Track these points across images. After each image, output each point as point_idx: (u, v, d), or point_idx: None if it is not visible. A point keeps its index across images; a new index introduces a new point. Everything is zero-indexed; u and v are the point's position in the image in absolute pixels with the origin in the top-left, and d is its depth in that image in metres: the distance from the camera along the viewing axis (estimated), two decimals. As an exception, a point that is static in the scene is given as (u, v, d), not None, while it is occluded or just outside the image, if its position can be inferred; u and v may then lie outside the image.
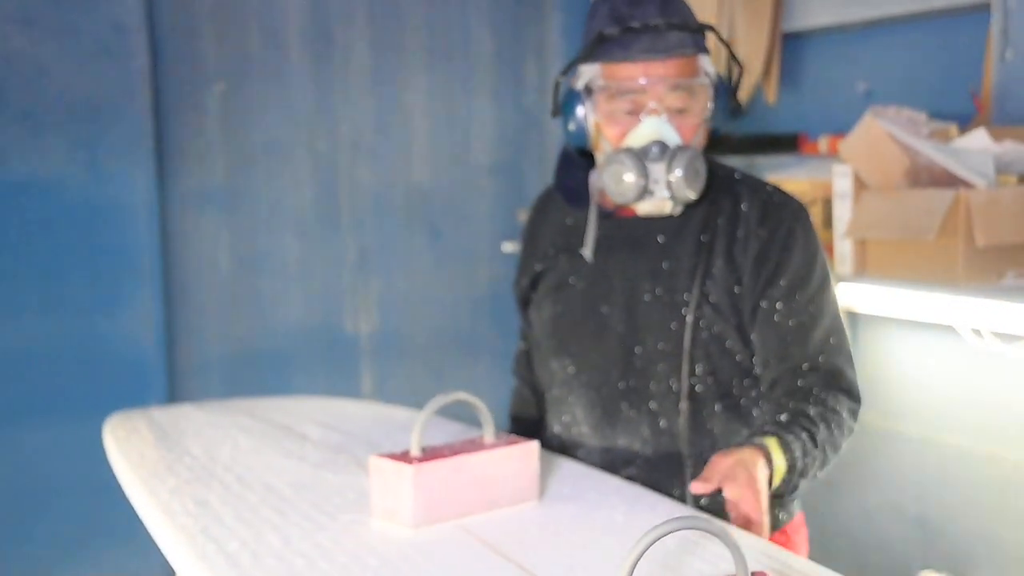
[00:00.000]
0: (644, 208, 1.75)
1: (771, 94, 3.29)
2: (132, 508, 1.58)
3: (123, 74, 3.32)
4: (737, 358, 1.76)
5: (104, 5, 3.29)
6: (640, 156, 1.70)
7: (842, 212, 2.64)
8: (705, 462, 1.74)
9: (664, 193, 1.71)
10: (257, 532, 1.38)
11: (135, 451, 1.75)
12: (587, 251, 1.84)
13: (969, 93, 2.76)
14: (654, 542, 0.97)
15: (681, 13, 1.75)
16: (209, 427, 1.91)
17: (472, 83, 3.86)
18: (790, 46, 3.30)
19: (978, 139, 2.50)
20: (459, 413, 1.88)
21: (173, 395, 3.44)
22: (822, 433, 1.62)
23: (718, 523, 1.00)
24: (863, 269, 2.66)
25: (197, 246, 3.54)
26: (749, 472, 1.49)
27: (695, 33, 1.76)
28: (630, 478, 1.75)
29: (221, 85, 3.53)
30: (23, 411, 3.27)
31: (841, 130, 2.77)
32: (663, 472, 1.78)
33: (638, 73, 1.72)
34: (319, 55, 3.65)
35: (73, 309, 3.31)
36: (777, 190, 1.82)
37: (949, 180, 2.45)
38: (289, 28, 3.61)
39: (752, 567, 1.00)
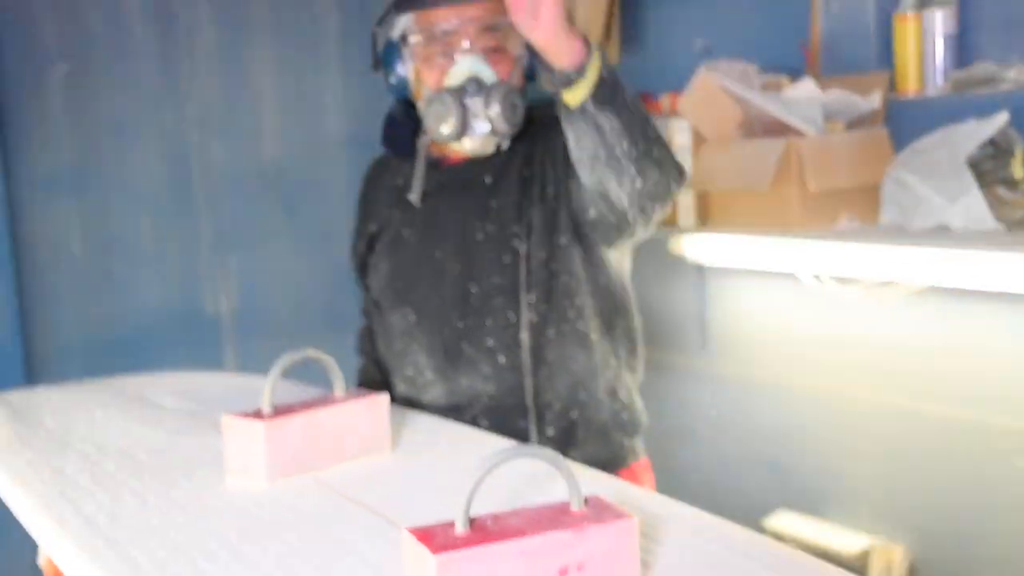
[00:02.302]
0: (468, 145, 1.81)
1: (612, 55, 3.37)
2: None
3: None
4: (563, 280, 1.82)
5: (-65, -11, 3.20)
6: (458, 94, 1.76)
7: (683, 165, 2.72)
8: (545, 392, 1.81)
9: (484, 127, 1.77)
10: (114, 495, 1.40)
11: (-13, 431, 1.75)
12: (413, 196, 1.88)
13: (799, 45, 2.87)
14: (490, 470, 1.01)
15: None
16: (65, 404, 1.91)
17: (320, 57, 3.85)
18: (629, 7, 3.38)
19: (806, 89, 2.61)
20: (315, 378, 1.92)
21: (31, 382, 3.37)
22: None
23: (550, 451, 1.05)
24: (706, 220, 2.76)
25: (48, 231, 3.47)
26: None
27: None
28: (475, 419, 1.82)
29: (63, 66, 3.46)
30: None
31: (682, 88, 2.85)
32: (507, 408, 1.83)
33: (449, 16, 1.79)
34: (163, 33, 3.61)
35: (-79, 301, 3.23)
36: None
37: (781, 129, 2.56)
38: (131, 6, 3.56)
39: (587, 494, 1.06)
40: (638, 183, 1.60)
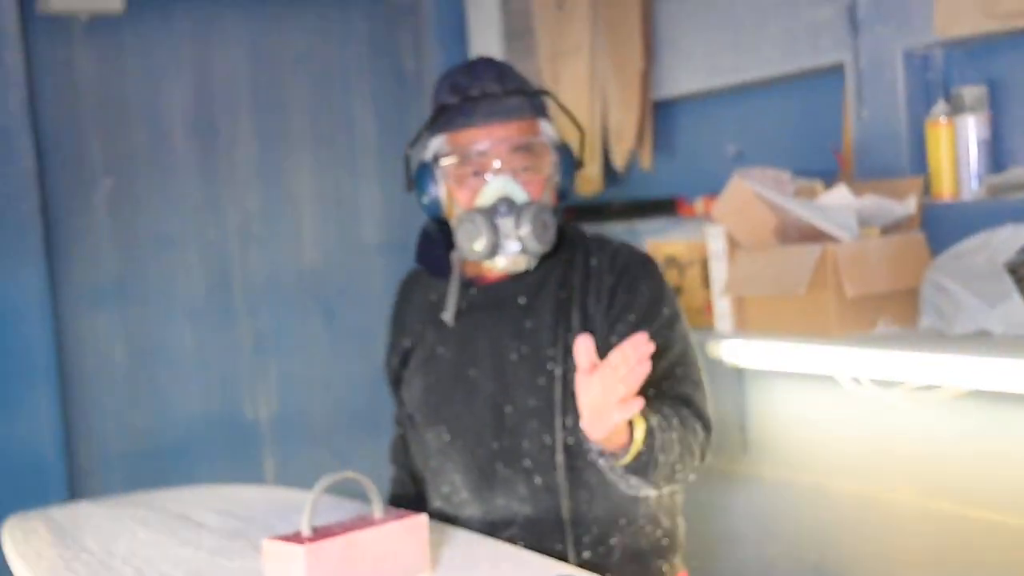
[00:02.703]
0: (500, 264, 1.82)
1: (646, 160, 3.40)
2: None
3: (9, 176, 3.33)
4: None
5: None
6: (489, 214, 1.78)
7: (718, 271, 2.73)
8: (584, 516, 1.80)
9: (515, 247, 1.79)
10: (154, 623, 1.40)
11: (32, 551, 1.76)
12: (448, 316, 1.89)
13: (831, 151, 2.89)
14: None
15: (517, 80, 1.86)
16: (107, 522, 1.92)
17: (357, 165, 3.93)
18: (662, 113, 3.42)
19: (840, 195, 2.61)
20: (356, 492, 1.92)
21: (74, 494, 3.40)
22: (676, 426, 1.68)
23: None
24: (743, 325, 2.75)
25: (92, 342, 3.52)
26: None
27: (532, 99, 1.85)
28: (511, 538, 1.80)
29: (109, 181, 3.55)
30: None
31: (715, 192, 2.86)
32: (544, 529, 1.81)
33: (481, 137, 1.81)
34: (205, 146, 3.69)
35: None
36: (624, 244, 1.90)
37: (816, 235, 2.56)
38: (174, 121, 3.65)
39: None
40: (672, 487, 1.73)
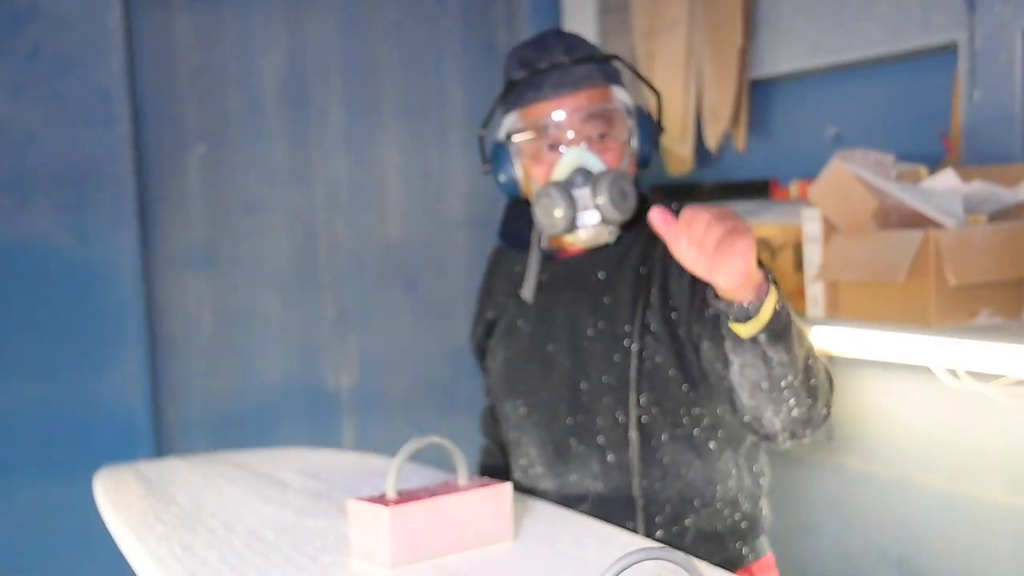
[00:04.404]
0: (581, 237, 1.78)
1: (740, 141, 3.34)
2: (124, 568, 1.60)
3: (107, 139, 3.37)
4: (682, 387, 1.77)
5: (88, 72, 3.34)
6: (565, 186, 1.75)
7: (812, 256, 2.67)
8: (656, 495, 1.77)
9: (594, 217, 1.75)
10: (241, 574, 1.40)
11: (123, 502, 1.78)
12: (526, 292, 1.87)
13: (937, 134, 2.81)
14: (621, 572, 0.99)
15: (586, 48, 1.81)
16: (195, 477, 1.94)
17: (446, 139, 3.91)
18: (758, 93, 3.36)
19: (947, 179, 2.54)
20: (436, 460, 1.91)
21: (160, 452, 3.44)
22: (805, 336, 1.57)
23: (681, 554, 1.02)
24: (836, 312, 2.69)
25: (181, 305, 3.56)
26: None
27: (602, 65, 1.81)
28: (584, 514, 1.77)
29: (202, 147, 3.57)
30: (14, 472, 3.28)
31: (811, 175, 2.81)
32: (615, 506, 1.79)
33: (551, 109, 1.77)
34: (295, 115, 3.70)
35: (61, 371, 3.33)
36: None
37: (918, 221, 2.49)
38: (266, 89, 3.66)
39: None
40: (795, 412, 1.56)
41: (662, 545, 1.03)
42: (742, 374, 1.53)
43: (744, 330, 1.48)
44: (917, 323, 2.46)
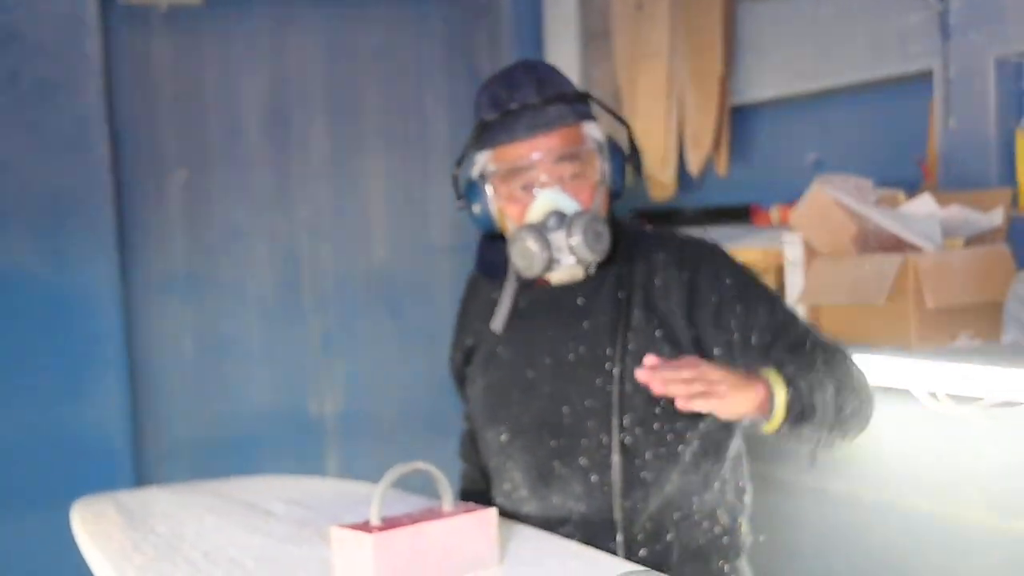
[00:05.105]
0: (556, 278, 1.81)
1: (722, 167, 3.36)
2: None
3: (85, 165, 3.36)
4: (665, 405, 1.79)
5: (65, 99, 3.33)
6: (540, 229, 1.76)
7: (794, 279, 2.68)
8: (638, 514, 1.78)
9: (569, 259, 1.76)
10: (221, 606, 1.39)
11: (102, 532, 1.76)
12: (496, 324, 1.88)
13: (915, 161, 2.83)
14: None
15: (557, 86, 1.81)
16: (175, 507, 1.92)
17: (428, 165, 3.92)
18: (739, 119, 3.38)
19: (924, 204, 2.56)
20: (421, 487, 1.90)
21: (141, 481, 3.42)
22: (818, 366, 1.71)
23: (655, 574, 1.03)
24: (818, 334, 2.70)
25: (161, 332, 3.55)
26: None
27: (574, 103, 1.81)
28: (567, 535, 1.78)
29: (183, 173, 3.57)
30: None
31: (792, 200, 2.82)
32: (598, 526, 1.80)
33: (525, 151, 1.78)
34: (277, 141, 3.71)
35: (40, 398, 3.31)
36: (689, 237, 1.90)
37: (897, 245, 2.51)
38: (248, 115, 3.67)
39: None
40: (846, 442, 1.78)
41: (645, 569, 1.03)
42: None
43: (768, 428, 1.66)
44: (898, 346, 2.47)
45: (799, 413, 1.64)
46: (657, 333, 1.78)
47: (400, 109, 3.88)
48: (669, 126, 3.46)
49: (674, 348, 1.78)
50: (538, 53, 3.88)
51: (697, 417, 1.79)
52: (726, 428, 1.85)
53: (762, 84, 3.24)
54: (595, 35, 3.85)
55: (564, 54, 3.87)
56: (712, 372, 1.57)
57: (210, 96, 3.62)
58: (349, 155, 3.81)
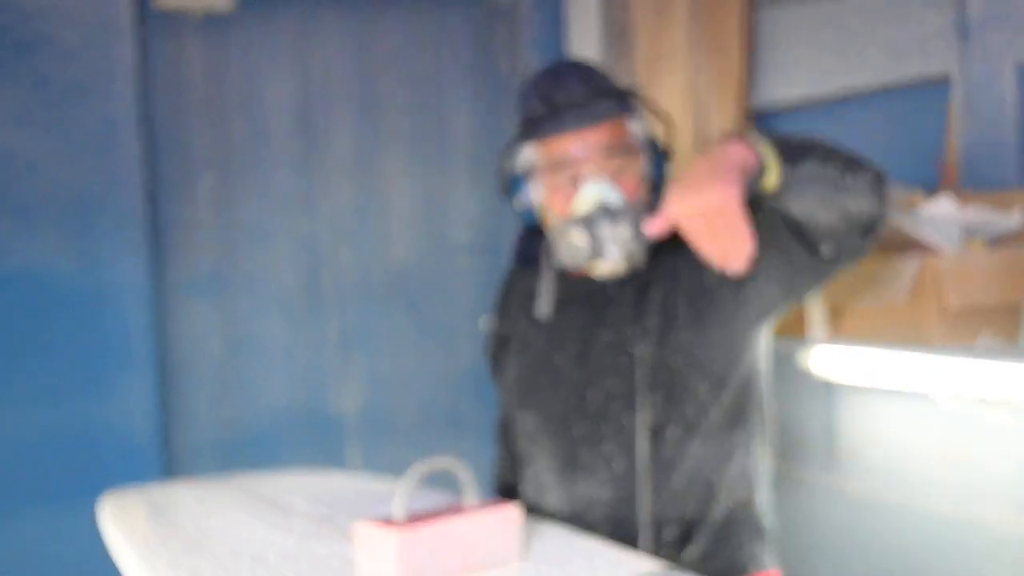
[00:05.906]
0: (601, 269, 1.83)
1: (744, 168, 3.36)
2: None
3: (116, 167, 3.39)
4: (685, 375, 1.82)
5: (97, 101, 3.37)
6: (586, 222, 1.78)
7: (815, 280, 2.69)
8: (665, 496, 1.80)
9: (615, 253, 1.78)
10: (247, 600, 1.42)
11: (129, 526, 1.79)
12: (542, 308, 1.91)
13: (934, 162, 2.83)
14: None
15: (603, 82, 1.85)
16: (200, 502, 1.95)
17: (450, 166, 3.94)
18: (759, 121, 3.39)
19: (944, 205, 2.56)
20: (442, 482, 1.93)
21: (168, 476, 3.46)
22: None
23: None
24: (837, 335, 2.71)
25: (189, 331, 3.59)
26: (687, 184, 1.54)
27: (619, 99, 1.84)
28: (591, 523, 1.82)
29: (212, 175, 3.61)
30: (22, 497, 3.30)
31: (812, 201, 2.83)
32: (623, 514, 1.83)
33: (571, 144, 1.81)
34: (303, 144, 3.74)
35: (70, 396, 3.34)
36: None
37: (915, 246, 2.52)
38: (275, 118, 3.70)
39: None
40: (860, 185, 1.67)
41: (670, 568, 1.05)
42: (807, 205, 1.65)
43: (768, 184, 1.59)
44: (918, 345, 2.48)
45: (793, 150, 1.59)
46: (679, 311, 1.82)
47: (422, 110, 3.90)
48: (689, 128, 3.48)
49: (697, 323, 1.81)
50: (559, 54, 3.89)
51: (720, 389, 1.82)
52: (747, 396, 1.87)
53: (782, 87, 3.25)
54: (617, 34, 3.87)
55: (586, 53, 3.88)
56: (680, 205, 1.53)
57: (239, 100, 3.66)
58: (372, 156, 3.84)
